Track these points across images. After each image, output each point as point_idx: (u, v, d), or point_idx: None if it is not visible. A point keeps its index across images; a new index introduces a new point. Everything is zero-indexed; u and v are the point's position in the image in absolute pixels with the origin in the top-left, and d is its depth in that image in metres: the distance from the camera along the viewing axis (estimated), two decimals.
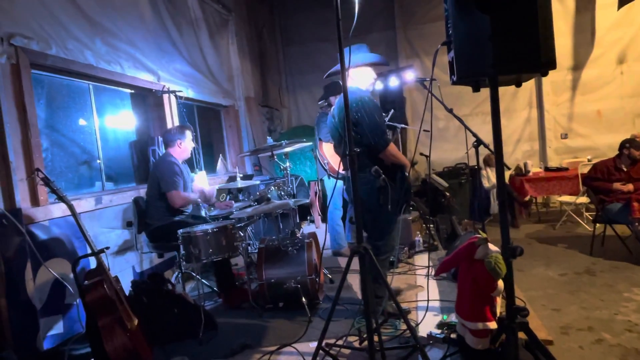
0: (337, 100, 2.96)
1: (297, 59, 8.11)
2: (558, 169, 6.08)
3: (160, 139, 4.18)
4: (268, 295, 3.19)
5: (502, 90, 1.98)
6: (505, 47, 1.82)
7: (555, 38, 1.82)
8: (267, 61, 7.67)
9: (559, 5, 6.63)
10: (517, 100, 7.09)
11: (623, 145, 4.30)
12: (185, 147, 3.66)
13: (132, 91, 4.34)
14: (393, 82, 5.90)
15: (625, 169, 4.25)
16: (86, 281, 2.34)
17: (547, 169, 6.28)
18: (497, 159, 2.02)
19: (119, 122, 4.37)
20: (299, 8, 7.91)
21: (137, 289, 2.84)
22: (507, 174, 6.06)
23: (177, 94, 4.50)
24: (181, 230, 3.06)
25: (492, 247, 2.13)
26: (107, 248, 2.53)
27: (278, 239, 3.35)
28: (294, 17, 8.02)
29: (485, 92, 2.04)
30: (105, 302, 2.24)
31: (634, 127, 6.60)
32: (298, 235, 3.48)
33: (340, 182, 4.16)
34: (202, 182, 4.12)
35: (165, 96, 4.53)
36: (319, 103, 4.60)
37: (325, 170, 4.44)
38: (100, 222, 3.42)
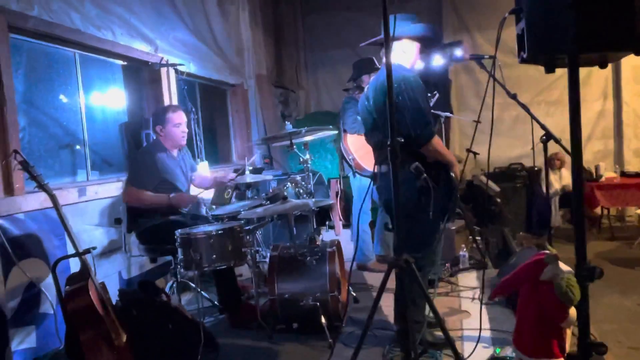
0: (372, 79, 2.93)
1: (320, 31, 8.06)
2: (638, 175, 5.92)
3: None
4: (280, 313, 3.19)
5: None
6: (591, 16, 1.77)
7: None
8: (284, 33, 7.67)
9: None
10: (588, 88, 6.89)
11: None
12: (167, 133, 3.60)
13: (125, 63, 4.38)
14: (437, 61, 5.80)
15: None
16: (68, 287, 2.36)
17: (623, 174, 6.12)
18: (574, 158, 1.96)
19: (109, 100, 4.41)
20: None
21: (125, 299, 2.86)
22: None
23: (178, 67, 4.53)
24: (179, 230, 3.07)
25: (563, 266, 2.08)
26: (94, 248, 2.55)
27: (294, 247, 3.34)
28: None
29: (550, 77, 1.98)
30: (90, 312, 2.26)
31: None
32: (318, 242, 3.46)
33: (368, 181, 4.13)
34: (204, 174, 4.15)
35: (163, 70, 4.56)
36: (348, 84, 4.57)
37: (351, 167, 4.41)
38: (83, 217, 3.45)
